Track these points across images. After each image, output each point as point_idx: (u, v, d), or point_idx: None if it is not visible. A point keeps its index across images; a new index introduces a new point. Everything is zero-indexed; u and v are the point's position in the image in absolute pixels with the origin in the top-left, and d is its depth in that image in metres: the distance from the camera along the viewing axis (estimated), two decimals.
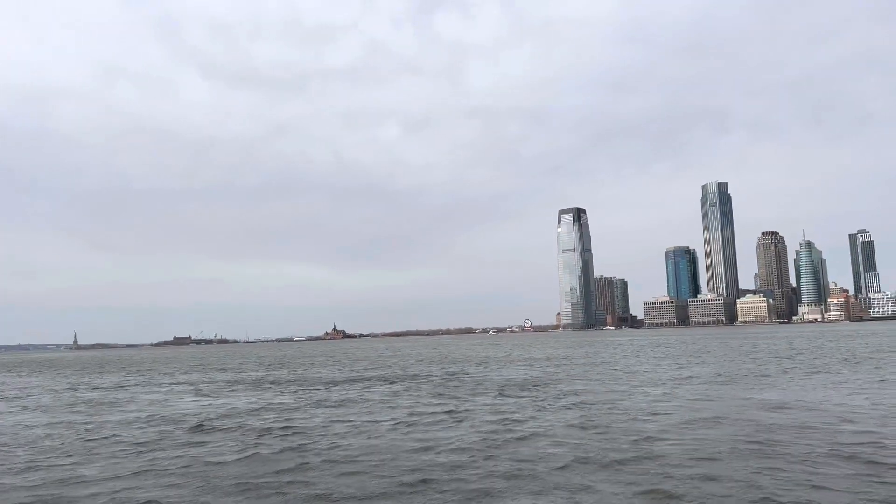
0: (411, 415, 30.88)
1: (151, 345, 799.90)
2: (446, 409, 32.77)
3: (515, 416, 29.26)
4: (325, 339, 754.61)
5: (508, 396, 37.82)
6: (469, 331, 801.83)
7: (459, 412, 31.13)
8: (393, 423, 28.46)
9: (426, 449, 22.07)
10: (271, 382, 57.50)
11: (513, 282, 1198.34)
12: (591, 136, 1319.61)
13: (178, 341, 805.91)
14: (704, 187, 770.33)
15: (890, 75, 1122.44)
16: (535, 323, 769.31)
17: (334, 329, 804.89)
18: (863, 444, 20.64)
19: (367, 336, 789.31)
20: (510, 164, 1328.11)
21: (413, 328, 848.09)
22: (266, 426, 28.65)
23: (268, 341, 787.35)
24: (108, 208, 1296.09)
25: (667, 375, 49.42)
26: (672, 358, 76.03)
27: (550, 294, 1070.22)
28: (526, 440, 23.03)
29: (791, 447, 20.37)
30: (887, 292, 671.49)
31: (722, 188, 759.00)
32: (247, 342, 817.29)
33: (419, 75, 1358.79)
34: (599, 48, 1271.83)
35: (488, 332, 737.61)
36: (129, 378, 75.46)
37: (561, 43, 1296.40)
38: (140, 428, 29.89)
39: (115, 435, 27.83)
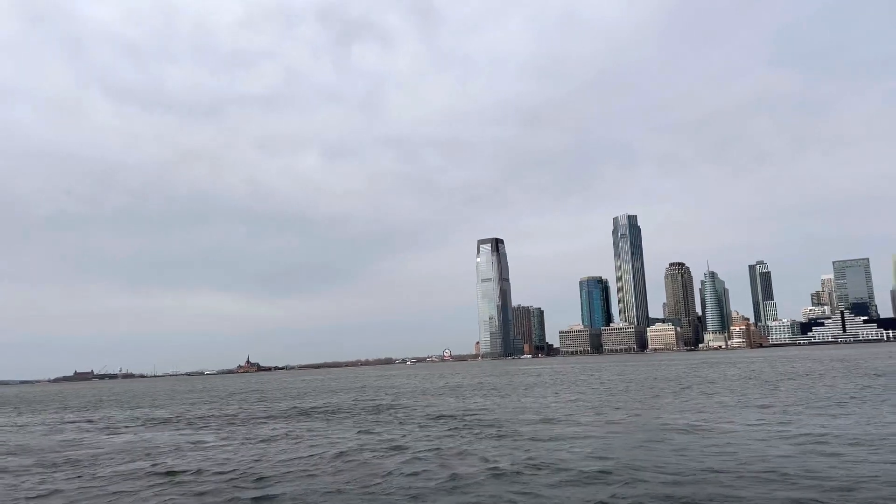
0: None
1: (49, 381, 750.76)
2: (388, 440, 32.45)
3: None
4: (238, 372, 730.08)
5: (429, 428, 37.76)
6: (388, 361, 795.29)
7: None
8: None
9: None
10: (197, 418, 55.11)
11: (433, 311, 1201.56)
12: (507, 168, 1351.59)
13: (79, 376, 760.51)
14: (615, 219, 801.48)
15: (782, 117, 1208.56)
16: (455, 352, 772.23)
17: (247, 362, 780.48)
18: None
19: (282, 369, 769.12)
20: (430, 194, 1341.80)
21: (331, 360, 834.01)
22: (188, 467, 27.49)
23: (177, 375, 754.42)
24: (5, 235, 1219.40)
25: (584, 418, 50.66)
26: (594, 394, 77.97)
27: (470, 323, 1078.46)
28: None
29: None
30: (784, 320, 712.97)
31: (632, 220, 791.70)
32: (154, 376, 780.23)
33: (338, 104, 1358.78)
34: (514, 82, 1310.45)
35: (406, 362, 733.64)
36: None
37: (478, 76, 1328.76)
38: None
39: None
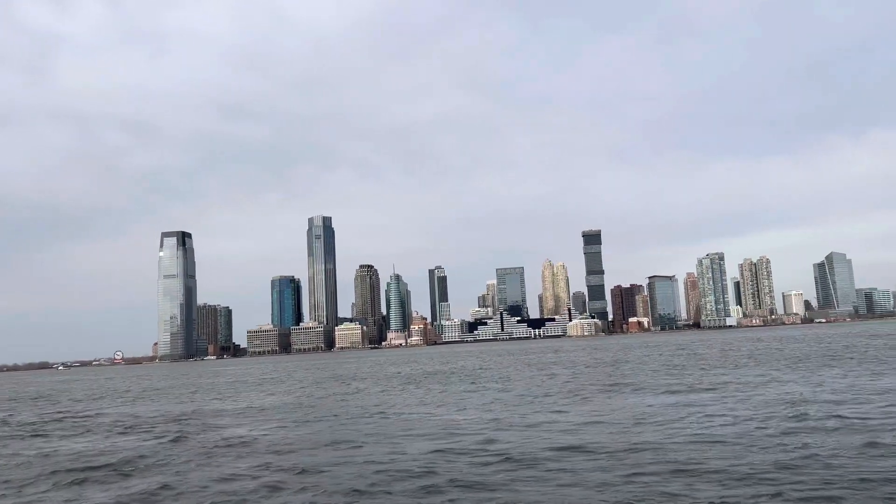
0: None
1: None
2: None
3: None
4: None
5: None
6: (44, 366, 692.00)
7: None
8: None
9: None
10: None
11: (105, 309, 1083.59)
12: (202, 158, 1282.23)
13: None
14: (311, 220, 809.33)
15: (464, 136, 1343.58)
16: (129, 354, 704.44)
17: None
18: None
19: None
20: (109, 178, 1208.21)
21: None
22: None
23: None
24: None
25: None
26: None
27: (148, 323, 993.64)
28: None
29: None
30: (455, 320, 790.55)
31: (327, 222, 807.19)
32: None
33: None
34: (215, 68, 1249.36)
35: (60, 367, 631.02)
36: None
37: (174, 55, 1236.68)
38: None
39: None
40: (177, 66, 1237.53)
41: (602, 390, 48.10)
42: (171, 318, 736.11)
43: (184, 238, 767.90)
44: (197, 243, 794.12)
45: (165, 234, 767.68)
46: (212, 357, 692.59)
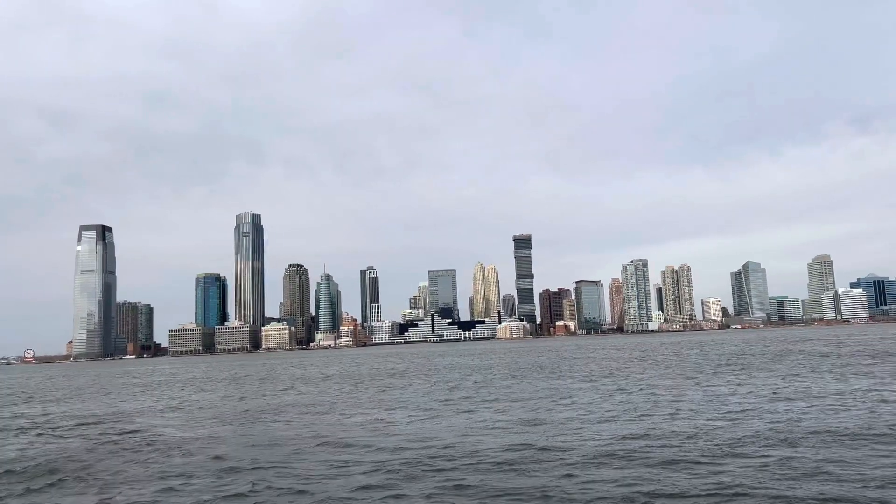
0: None
1: None
2: None
3: None
4: None
5: None
6: None
7: None
8: None
9: None
10: None
11: (14, 304, 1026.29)
12: (126, 150, 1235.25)
13: None
14: (239, 217, 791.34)
15: (399, 137, 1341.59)
16: (40, 353, 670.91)
17: None
18: None
19: None
20: (22, 167, 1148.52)
21: None
22: None
23: None
24: None
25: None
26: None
27: (63, 320, 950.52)
28: None
29: None
30: (386, 321, 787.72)
31: (255, 219, 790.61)
32: None
33: None
34: (142, 57, 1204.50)
35: None
36: None
37: (98, 41, 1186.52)
38: None
39: None
40: (100, 53, 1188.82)
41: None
42: (87, 315, 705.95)
43: (104, 232, 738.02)
44: (118, 238, 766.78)
45: (84, 228, 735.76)
46: (131, 356, 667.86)
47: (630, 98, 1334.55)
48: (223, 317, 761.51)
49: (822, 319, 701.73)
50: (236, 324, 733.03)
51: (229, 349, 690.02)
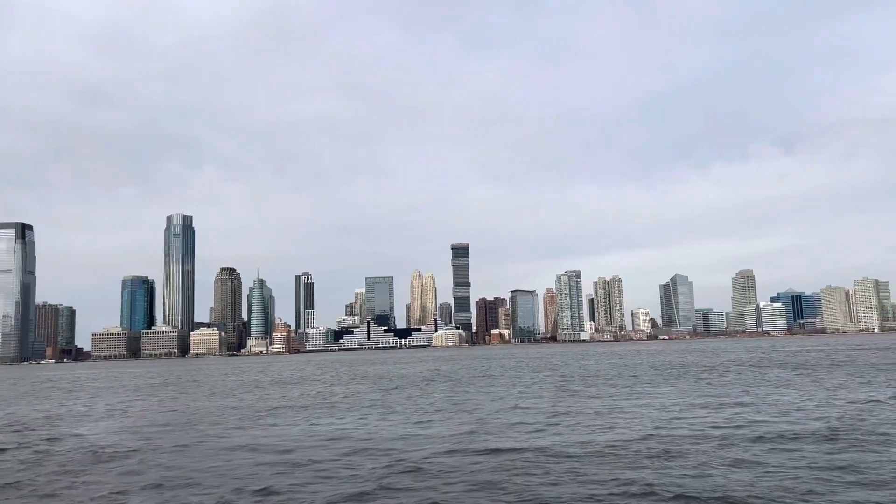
0: None
1: None
2: None
3: None
4: None
5: None
6: None
7: None
8: None
9: None
10: None
11: None
12: (51, 144, 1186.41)
13: None
14: (170, 218, 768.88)
15: (340, 141, 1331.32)
16: None
17: None
18: None
19: None
20: None
21: None
22: None
23: None
24: None
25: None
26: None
27: None
28: None
29: None
30: (320, 328, 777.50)
31: (187, 221, 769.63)
32: None
33: None
34: (71, 48, 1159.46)
35: None
36: None
37: (24, 29, 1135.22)
38: None
39: None
40: (27, 42, 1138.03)
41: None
42: (3, 317, 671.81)
43: (24, 230, 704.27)
44: (40, 237, 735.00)
45: (2, 226, 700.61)
46: (50, 360, 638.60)
47: (570, 110, 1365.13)
48: (150, 321, 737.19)
49: (744, 331, 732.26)
50: (164, 328, 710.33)
51: (156, 354, 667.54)
